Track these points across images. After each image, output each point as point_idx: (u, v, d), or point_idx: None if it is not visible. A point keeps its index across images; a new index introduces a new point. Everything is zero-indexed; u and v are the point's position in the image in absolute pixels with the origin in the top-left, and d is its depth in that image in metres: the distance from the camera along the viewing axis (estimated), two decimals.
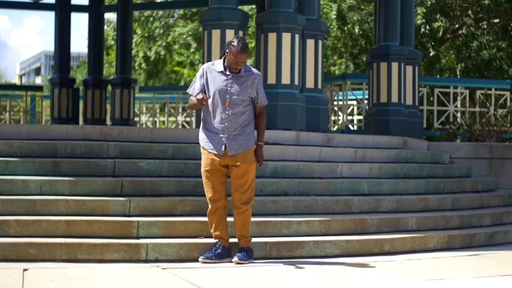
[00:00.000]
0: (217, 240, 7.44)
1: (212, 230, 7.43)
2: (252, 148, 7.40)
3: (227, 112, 7.29)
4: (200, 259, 7.34)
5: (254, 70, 7.45)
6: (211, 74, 7.37)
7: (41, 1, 19.80)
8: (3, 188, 7.88)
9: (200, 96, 7.22)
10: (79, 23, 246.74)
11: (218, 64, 7.40)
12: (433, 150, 11.87)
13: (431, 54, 22.85)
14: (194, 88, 7.43)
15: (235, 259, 7.35)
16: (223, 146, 7.31)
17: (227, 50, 7.27)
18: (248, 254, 7.40)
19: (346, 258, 7.86)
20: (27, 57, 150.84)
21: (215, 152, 7.33)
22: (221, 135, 7.32)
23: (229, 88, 7.30)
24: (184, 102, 20.62)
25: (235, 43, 7.20)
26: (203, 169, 7.42)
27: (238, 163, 7.32)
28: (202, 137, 7.45)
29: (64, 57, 18.42)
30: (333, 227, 8.29)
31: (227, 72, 7.33)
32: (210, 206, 7.39)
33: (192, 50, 31.08)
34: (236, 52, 7.18)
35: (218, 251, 7.36)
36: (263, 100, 7.48)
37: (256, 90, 7.40)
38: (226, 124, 7.31)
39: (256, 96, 7.42)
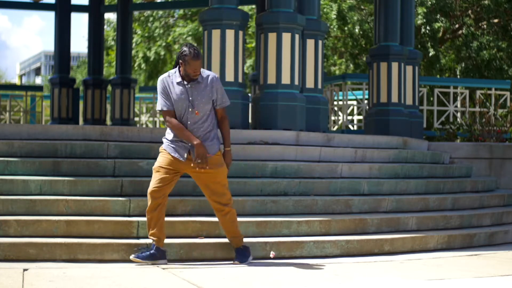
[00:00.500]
0: (152, 240, 7.20)
1: (149, 229, 7.21)
2: (218, 152, 7.28)
3: (189, 122, 7.17)
4: (131, 257, 7.15)
5: (209, 72, 7.32)
6: (171, 86, 7.21)
7: (41, 1, 19.80)
8: (3, 188, 7.88)
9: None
10: (79, 23, 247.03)
11: (174, 75, 7.23)
12: (433, 150, 11.87)
13: (431, 54, 22.86)
14: (164, 103, 7.20)
15: (236, 261, 7.34)
16: (186, 154, 7.21)
17: (180, 61, 7.14)
18: (246, 254, 7.39)
19: (346, 258, 7.86)
20: (27, 57, 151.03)
21: (179, 158, 7.22)
22: (185, 143, 7.21)
23: (191, 98, 7.17)
24: None
25: (187, 52, 7.07)
26: (157, 165, 7.24)
27: (206, 169, 7.17)
28: (167, 142, 7.28)
29: (64, 57, 18.41)
30: (333, 227, 8.28)
31: (185, 82, 7.20)
32: (150, 202, 7.17)
33: None
34: (191, 59, 7.05)
35: (152, 251, 7.16)
36: (222, 101, 7.30)
37: (215, 92, 7.27)
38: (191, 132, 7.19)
39: (216, 97, 7.27)
